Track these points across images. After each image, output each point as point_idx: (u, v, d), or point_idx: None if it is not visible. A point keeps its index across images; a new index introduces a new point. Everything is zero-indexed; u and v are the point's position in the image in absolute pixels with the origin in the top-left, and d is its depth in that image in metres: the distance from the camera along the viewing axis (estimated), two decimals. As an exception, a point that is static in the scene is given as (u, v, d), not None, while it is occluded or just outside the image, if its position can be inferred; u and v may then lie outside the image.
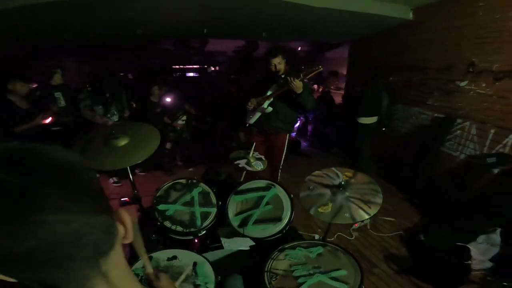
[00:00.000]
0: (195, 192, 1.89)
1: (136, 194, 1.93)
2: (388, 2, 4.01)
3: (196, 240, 1.82)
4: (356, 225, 2.75)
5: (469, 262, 2.15)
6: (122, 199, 3.21)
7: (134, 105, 4.80)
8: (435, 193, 3.46)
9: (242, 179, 2.13)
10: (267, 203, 1.84)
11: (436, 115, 3.81)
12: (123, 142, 1.55)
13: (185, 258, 1.47)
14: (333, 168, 1.97)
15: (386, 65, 4.80)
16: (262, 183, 1.97)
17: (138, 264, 1.32)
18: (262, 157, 2.26)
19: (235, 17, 4.82)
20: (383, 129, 4.61)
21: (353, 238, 2.59)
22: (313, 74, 2.47)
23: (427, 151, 3.70)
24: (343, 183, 1.77)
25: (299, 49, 14.79)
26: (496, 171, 2.92)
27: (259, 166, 2.11)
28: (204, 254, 1.52)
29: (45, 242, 0.31)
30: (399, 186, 3.89)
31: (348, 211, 1.63)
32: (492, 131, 3.03)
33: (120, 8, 3.56)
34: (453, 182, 3.36)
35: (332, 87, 7.98)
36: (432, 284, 2.04)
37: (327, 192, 1.79)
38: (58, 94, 3.58)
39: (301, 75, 2.46)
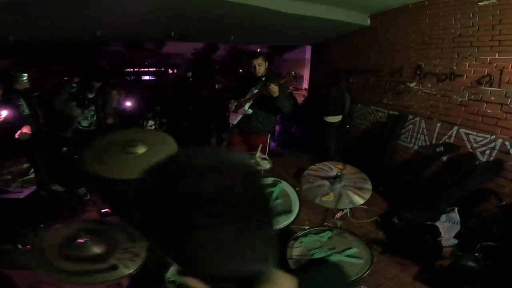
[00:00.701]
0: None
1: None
2: (349, 9, 4.42)
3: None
4: (338, 215, 2.97)
5: (440, 238, 2.50)
6: (102, 210, 2.96)
7: None
8: (396, 180, 3.89)
9: None
10: (276, 198, 1.95)
11: (391, 112, 4.29)
12: (141, 149, 1.46)
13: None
14: (325, 163, 2.19)
15: (345, 68, 5.25)
16: (268, 180, 2.07)
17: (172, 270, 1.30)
18: (266, 156, 2.37)
19: (204, 21, 4.81)
20: (347, 126, 5.02)
21: (338, 226, 2.79)
22: (285, 79, 2.71)
23: (386, 144, 4.14)
24: (339, 174, 1.96)
25: (258, 51, 15.14)
26: (444, 158, 3.42)
27: (266, 165, 2.21)
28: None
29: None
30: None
31: (347, 197, 1.84)
32: (438, 124, 3.54)
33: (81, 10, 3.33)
34: (409, 170, 3.82)
35: (291, 87, 8.36)
36: (413, 261, 2.33)
37: (326, 183, 1.99)
38: (21, 101, 3.13)
39: (278, 79, 2.66)
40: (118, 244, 1.25)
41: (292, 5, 4.03)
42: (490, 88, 2.98)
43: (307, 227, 2.15)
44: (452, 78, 3.36)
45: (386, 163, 4.09)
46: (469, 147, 3.18)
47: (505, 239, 2.23)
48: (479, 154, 3.08)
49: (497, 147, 2.91)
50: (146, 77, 14.04)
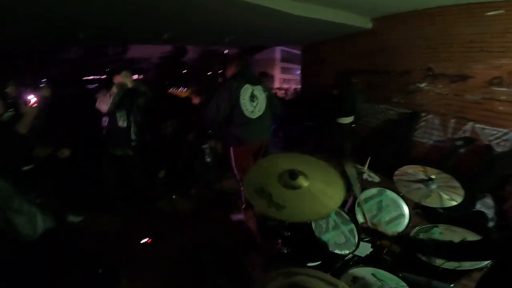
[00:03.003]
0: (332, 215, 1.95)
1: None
2: (351, 12, 4.62)
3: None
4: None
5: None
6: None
7: None
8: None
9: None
10: (387, 205, 2.02)
11: (402, 110, 4.67)
12: (304, 182, 1.34)
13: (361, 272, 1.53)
14: (407, 167, 2.29)
15: (348, 68, 5.50)
16: (374, 190, 2.12)
17: None
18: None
19: (202, 22, 4.58)
20: (353, 125, 5.29)
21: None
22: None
23: (402, 140, 4.50)
24: (433, 177, 2.09)
25: (225, 52, 14.91)
26: (462, 150, 3.86)
27: (376, 178, 2.26)
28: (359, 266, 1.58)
29: None
30: (385, 173, 4.59)
31: (448, 196, 1.95)
32: (453, 121, 3.98)
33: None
34: (428, 163, 4.22)
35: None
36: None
37: (421, 186, 2.06)
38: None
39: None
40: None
41: (299, 6, 4.07)
42: (500, 89, 3.46)
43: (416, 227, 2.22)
44: (465, 79, 3.79)
45: (405, 158, 4.44)
46: (485, 140, 3.65)
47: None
48: (495, 146, 3.55)
49: (511, 139, 3.40)
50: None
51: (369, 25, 4.96)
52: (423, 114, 4.36)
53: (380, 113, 5.06)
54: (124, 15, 4.03)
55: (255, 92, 2.64)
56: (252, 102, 2.63)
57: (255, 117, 2.62)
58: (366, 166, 2.34)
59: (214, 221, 3.14)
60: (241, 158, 2.69)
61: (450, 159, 3.94)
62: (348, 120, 4.83)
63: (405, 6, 4.21)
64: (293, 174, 1.34)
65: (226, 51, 13.80)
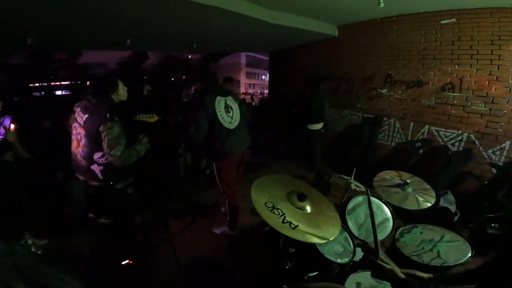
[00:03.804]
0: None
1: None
2: (318, 19, 4.76)
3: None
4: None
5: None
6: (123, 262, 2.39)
7: None
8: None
9: (343, 201, 2.21)
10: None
11: (366, 115, 4.89)
12: (307, 206, 1.30)
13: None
14: (385, 172, 2.39)
15: (314, 74, 5.65)
16: (360, 198, 2.15)
17: None
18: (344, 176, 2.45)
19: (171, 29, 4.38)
20: (323, 130, 5.42)
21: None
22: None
23: (367, 144, 4.70)
24: (408, 181, 2.19)
25: (189, 57, 14.53)
26: (421, 151, 4.13)
27: (362, 188, 2.29)
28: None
29: None
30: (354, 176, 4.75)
31: (423, 198, 2.07)
32: (412, 124, 4.26)
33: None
34: (392, 164, 4.46)
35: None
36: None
37: (398, 190, 2.17)
38: None
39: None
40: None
41: (273, 14, 4.12)
42: (453, 94, 3.77)
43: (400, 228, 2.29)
44: (420, 85, 4.08)
45: (369, 161, 4.65)
46: (441, 141, 3.94)
47: (499, 210, 2.90)
48: (450, 146, 3.86)
49: (464, 139, 3.72)
50: (59, 92, 11.90)
51: (335, 32, 5.14)
52: (385, 119, 4.60)
53: (344, 118, 5.25)
54: (79, 23, 3.70)
55: (228, 103, 2.61)
56: (228, 113, 2.58)
57: (233, 127, 2.58)
58: (353, 176, 2.36)
59: (199, 235, 2.98)
60: (226, 172, 2.65)
61: (409, 160, 4.21)
62: (318, 126, 4.93)
63: (368, 15, 4.41)
64: (302, 196, 1.39)
65: (189, 56, 13.38)
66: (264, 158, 5.69)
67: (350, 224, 2.03)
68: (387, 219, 2.11)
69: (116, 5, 3.15)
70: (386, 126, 4.61)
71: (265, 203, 1.35)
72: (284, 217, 1.31)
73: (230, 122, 2.56)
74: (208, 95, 2.48)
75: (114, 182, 2.21)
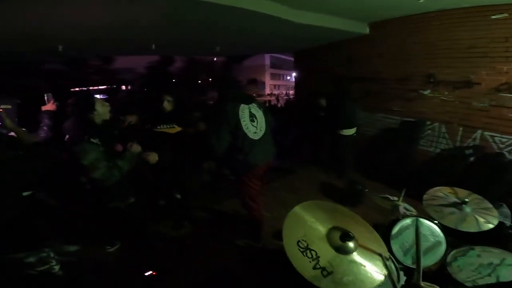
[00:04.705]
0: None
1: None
2: (347, 18, 4.46)
3: None
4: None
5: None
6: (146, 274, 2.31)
7: None
8: (421, 182, 4.05)
9: (387, 224, 1.94)
10: (422, 235, 1.78)
11: (404, 119, 4.48)
12: (353, 245, 1.10)
13: None
14: (435, 189, 2.11)
15: (343, 75, 5.32)
16: (408, 220, 1.86)
17: None
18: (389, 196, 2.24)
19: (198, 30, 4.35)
20: (355, 135, 5.08)
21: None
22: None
23: (405, 150, 4.30)
24: (466, 200, 1.90)
25: (214, 59, 14.68)
26: (472, 158, 3.68)
27: (413, 211, 2.04)
28: None
29: None
30: (387, 183, 4.33)
31: (484, 219, 1.81)
32: (461, 128, 3.81)
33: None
34: (437, 172, 4.02)
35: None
36: None
37: (454, 210, 1.90)
38: None
39: None
40: None
41: (297, 14, 3.93)
42: (510, 95, 3.30)
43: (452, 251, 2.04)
44: (470, 85, 3.63)
45: (409, 167, 4.23)
46: (496, 148, 3.48)
47: None
48: (506, 154, 3.39)
49: (522, 146, 3.24)
50: (98, 96, 12.50)
51: (366, 30, 4.80)
52: (428, 122, 4.17)
53: (377, 122, 4.87)
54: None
55: (253, 111, 2.40)
56: (253, 122, 2.38)
57: (258, 137, 2.37)
58: (402, 198, 2.09)
59: (223, 247, 2.83)
60: (250, 185, 2.44)
61: (457, 167, 3.77)
62: (351, 131, 4.62)
63: (403, 11, 4.05)
64: (347, 237, 1.13)
65: (214, 59, 13.51)
66: (288, 163, 5.46)
67: (394, 249, 1.80)
68: (439, 242, 1.85)
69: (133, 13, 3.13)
70: (429, 131, 4.18)
71: (298, 242, 1.13)
72: (318, 260, 1.08)
73: (255, 132, 2.36)
74: (230, 103, 2.31)
75: (106, 201, 2.15)
